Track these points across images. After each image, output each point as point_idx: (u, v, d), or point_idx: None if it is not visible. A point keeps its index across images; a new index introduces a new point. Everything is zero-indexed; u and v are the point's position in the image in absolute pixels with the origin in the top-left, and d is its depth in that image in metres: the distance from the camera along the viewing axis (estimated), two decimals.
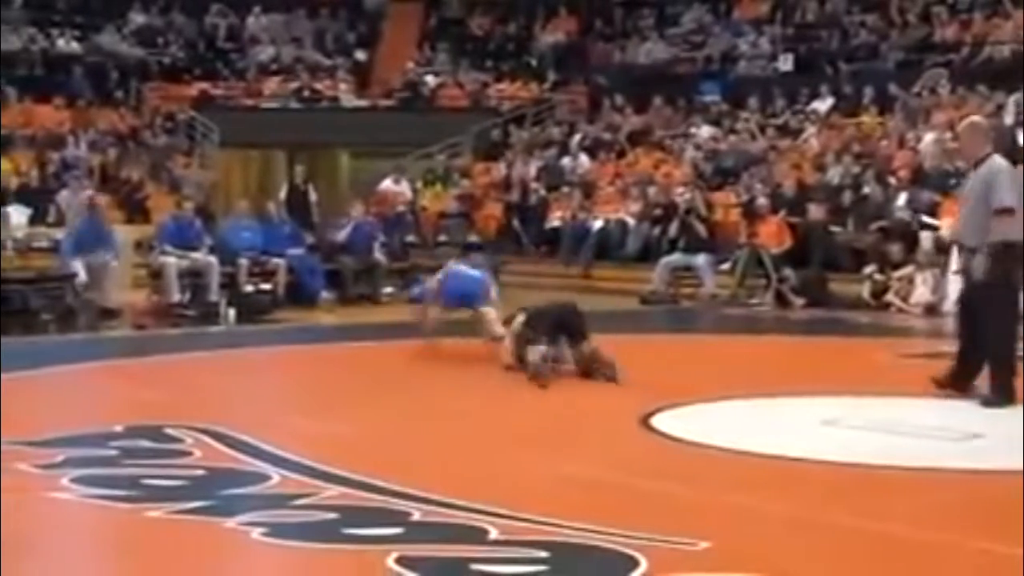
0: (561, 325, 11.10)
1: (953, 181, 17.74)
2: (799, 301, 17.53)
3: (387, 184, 22.87)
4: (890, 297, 16.96)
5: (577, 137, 25.91)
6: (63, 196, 20.78)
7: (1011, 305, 9.63)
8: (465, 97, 28.96)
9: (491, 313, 12.02)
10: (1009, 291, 9.55)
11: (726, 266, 18.80)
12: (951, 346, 10.21)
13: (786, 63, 26.50)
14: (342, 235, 18.80)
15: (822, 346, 12.22)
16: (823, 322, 16.08)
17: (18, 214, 18.60)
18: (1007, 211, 9.33)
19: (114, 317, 15.94)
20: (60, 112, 25.74)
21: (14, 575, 5.71)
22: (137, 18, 29.30)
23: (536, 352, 10.78)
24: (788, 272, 17.86)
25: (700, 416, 9.25)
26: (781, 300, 17.68)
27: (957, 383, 9.71)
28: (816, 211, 18.96)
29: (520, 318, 11.32)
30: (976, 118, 11.19)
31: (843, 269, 18.32)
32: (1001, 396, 9.29)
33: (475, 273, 12.82)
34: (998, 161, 9.59)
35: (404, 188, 23.20)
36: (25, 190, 20.43)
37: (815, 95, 24.78)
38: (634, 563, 5.46)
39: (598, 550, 5.67)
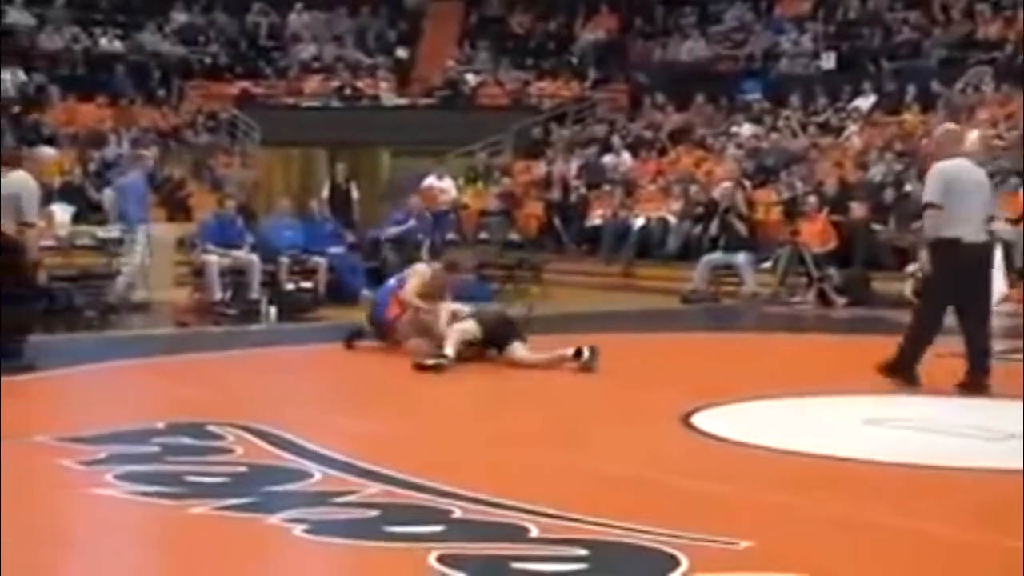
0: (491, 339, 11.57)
1: (997, 179, 17.66)
2: (841, 300, 17.47)
3: (431, 181, 22.86)
4: None
5: (619, 135, 25.88)
6: (106, 194, 20.91)
7: (940, 298, 10.12)
8: (506, 95, 28.98)
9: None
10: (942, 285, 10.02)
11: (767, 264, 18.75)
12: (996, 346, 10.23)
13: (828, 61, 26.40)
14: (396, 231, 18.74)
15: (864, 345, 12.16)
16: (865, 321, 16.00)
17: (62, 212, 18.70)
18: (927, 206, 10.04)
19: (143, 311, 16.05)
20: (102, 110, 25.89)
21: (58, 571, 5.75)
22: (179, 17, 29.45)
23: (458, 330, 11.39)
24: (831, 271, 17.79)
25: (741, 415, 9.23)
26: (823, 299, 17.62)
27: (895, 370, 10.16)
28: (858, 209, 18.88)
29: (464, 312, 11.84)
30: (951, 125, 12.27)
31: (885, 267, 18.24)
32: (895, 372, 10.06)
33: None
34: (938, 164, 10.17)
35: (448, 185, 23.19)
36: (68, 188, 20.54)
37: (857, 93, 24.68)
38: (675, 562, 5.44)
39: (639, 549, 5.67)
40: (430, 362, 11.06)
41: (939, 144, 10.80)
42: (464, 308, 11.99)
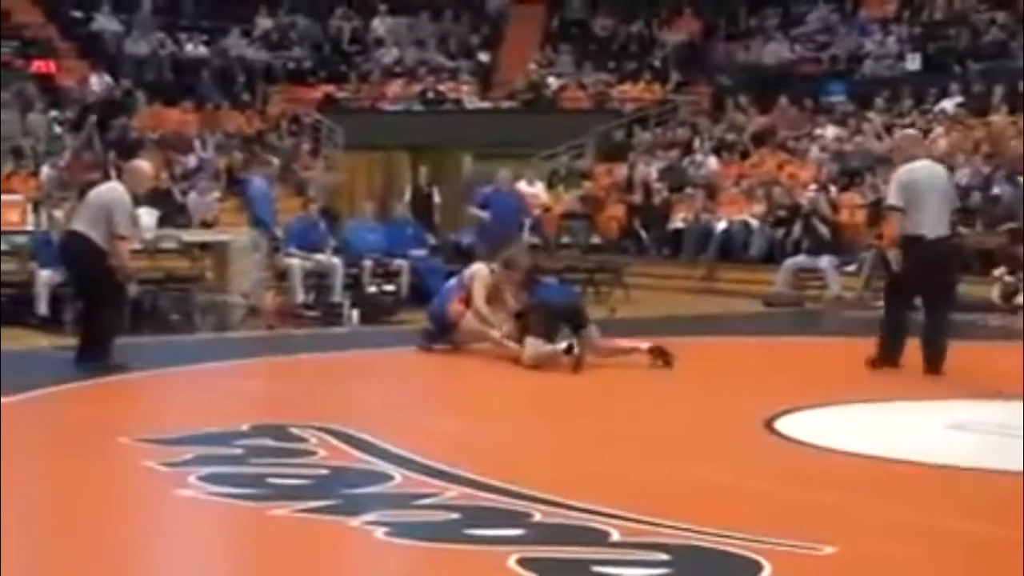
0: (562, 317, 11.63)
1: None
2: None
3: (521, 185, 22.79)
4: (1020, 300, 16.64)
5: (701, 138, 25.76)
6: (191, 198, 21.11)
7: (908, 290, 11.21)
8: (588, 98, 28.95)
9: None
10: (909, 278, 11.03)
11: (852, 268, 18.58)
12: None
13: (914, 62, 26.13)
14: (479, 205, 18.67)
15: (950, 349, 12.04)
16: (951, 325, 15.79)
17: (148, 216, 18.89)
18: (890, 208, 11.16)
19: (228, 314, 16.19)
20: (187, 115, 26.14)
21: (140, 571, 5.80)
22: (263, 22, 29.68)
23: (533, 345, 11.33)
24: None
25: (825, 419, 9.16)
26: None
27: (881, 362, 11.22)
28: None
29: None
30: (910, 131, 13.69)
31: (972, 271, 18.01)
32: (882, 364, 11.13)
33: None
34: (902, 167, 11.21)
35: (539, 190, 23.09)
36: (154, 192, 20.74)
37: (943, 94, 24.39)
38: (757, 567, 5.41)
39: (720, 553, 5.63)
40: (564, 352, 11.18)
41: (900, 148, 12.01)
42: None
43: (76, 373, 10.94)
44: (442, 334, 12.64)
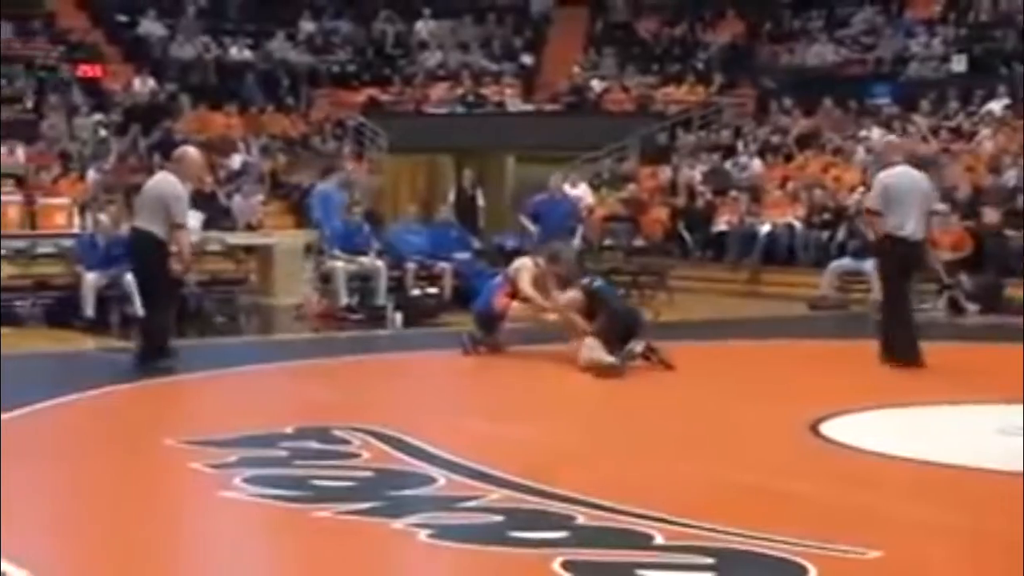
0: (627, 333, 11.58)
1: None
2: (972, 307, 17.15)
3: (565, 188, 22.69)
4: None
5: (745, 141, 25.65)
6: (236, 202, 21.18)
7: (896, 286, 11.92)
8: (631, 101, 28.88)
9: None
10: (894, 276, 11.86)
11: None
12: None
13: (959, 64, 25.96)
14: (530, 216, 18.60)
15: (996, 353, 11.97)
16: (997, 328, 15.71)
17: (193, 218, 18.96)
18: (868, 212, 12.12)
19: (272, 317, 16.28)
20: (232, 118, 26.22)
21: (183, 571, 5.82)
22: (307, 26, 29.76)
23: (593, 349, 11.27)
24: (962, 277, 17.48)
25: (871, 423, 9.11)
26: (954, 306, 17.30)
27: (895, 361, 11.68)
28: (991, 215, 18.54)
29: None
30: (892, 137, 15.00)
31: (1019, 274, 17.88)
32: (894, 359, 11.60)
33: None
34: (885, 171, 12.10)
35: (583, 192, 23.02)
36: (199, 195, 20.82)
37: (990, 96, 24.22)
38: (802, 571, 5.38)
39: (765, 557, 5.61)
40: (606, 364, 11.10)
41: (882, 154, 13.06)
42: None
43: (123, 375, 10.99)
44: (488, 329, 12.63)
